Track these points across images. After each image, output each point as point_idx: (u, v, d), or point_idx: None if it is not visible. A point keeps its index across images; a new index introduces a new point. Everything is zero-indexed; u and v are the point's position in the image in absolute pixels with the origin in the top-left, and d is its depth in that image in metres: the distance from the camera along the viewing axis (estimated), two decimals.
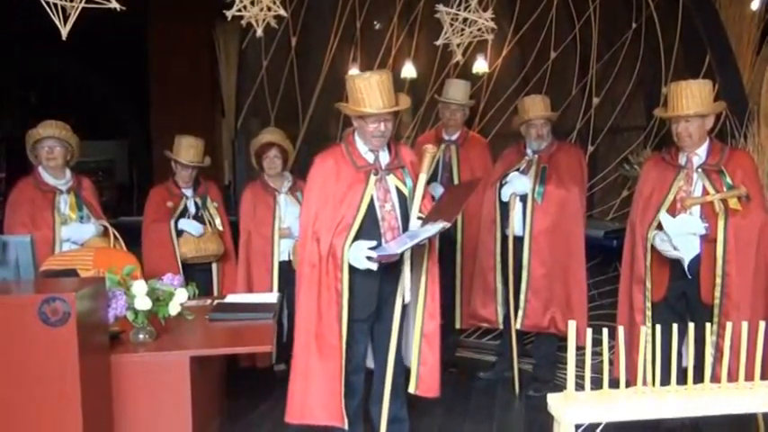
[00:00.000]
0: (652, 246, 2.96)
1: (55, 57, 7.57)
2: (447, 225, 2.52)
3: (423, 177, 2.71)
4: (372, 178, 2.73)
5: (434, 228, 2.53)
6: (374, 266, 2.61)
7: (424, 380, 2.79)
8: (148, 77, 6.44)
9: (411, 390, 2.80)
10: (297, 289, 2.84)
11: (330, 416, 2.70)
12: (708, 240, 2.86)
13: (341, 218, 2.68)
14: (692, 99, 2.84)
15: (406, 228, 2.75)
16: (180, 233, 3.84)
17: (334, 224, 2.68)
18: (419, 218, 2.70)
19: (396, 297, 2.76)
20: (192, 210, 3.94)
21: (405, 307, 2.80)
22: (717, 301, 2.84)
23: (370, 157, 2.76)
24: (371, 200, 2.71)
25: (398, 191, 2.76)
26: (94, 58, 7.91)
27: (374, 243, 2.65)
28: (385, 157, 2.78)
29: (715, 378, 2.24)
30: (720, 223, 2.80)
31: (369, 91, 2.59)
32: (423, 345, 2.77)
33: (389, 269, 2.74)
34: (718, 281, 2.82)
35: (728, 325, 2.25)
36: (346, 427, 2.71)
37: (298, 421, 2.76)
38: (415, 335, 2.78)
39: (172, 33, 5.96)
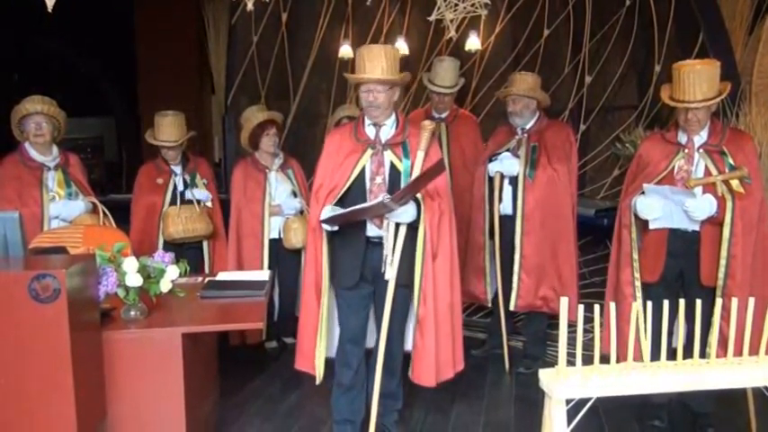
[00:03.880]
0: (646, 228, 2.92)
1: (41, 35, 7.42)
2: (386, 199, 2.52)
3: (420, 155, 2.70)
4: (369, 151, 2.76)
5: (375, 200, 2.59)
6: (327, 227, 2.69)
7: (415, 367, 2.80)
8: (136, 54, 6.35)
9: (409, 375, 2.82)
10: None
11: (302, 362, 2.85)
12: (710, 223, 2.80)
13: (333, 186, 2.75)
14: (703, 85, 2.71)
15: None
16: (166, 215, 3.81)
17: (328, 191, 2.76)
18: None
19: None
20: (181, 187, 3.90)
21: (410, 287, 2.79)
22: (720, 282, 2.79)
23: (371, 132, 2.80)
24: (363, 171, 2.75)
25: (393, 166, 2.77)
26: (81, 36, 7.78)
27: (338, 208, 2.70)
28: (387, 133, 2.79)
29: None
30: (728, 205, 2.74)
31: (366, 60, 2.65)
32: (416, 331, 2.78)
33: (375, 243, 2.76)
34: (723, 262, 2.77)
35: (734, 301, 2.18)
36: (318, 379, 2.82)
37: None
38: (412, 320, 2.81)
39: (160, 9, 5.86)
